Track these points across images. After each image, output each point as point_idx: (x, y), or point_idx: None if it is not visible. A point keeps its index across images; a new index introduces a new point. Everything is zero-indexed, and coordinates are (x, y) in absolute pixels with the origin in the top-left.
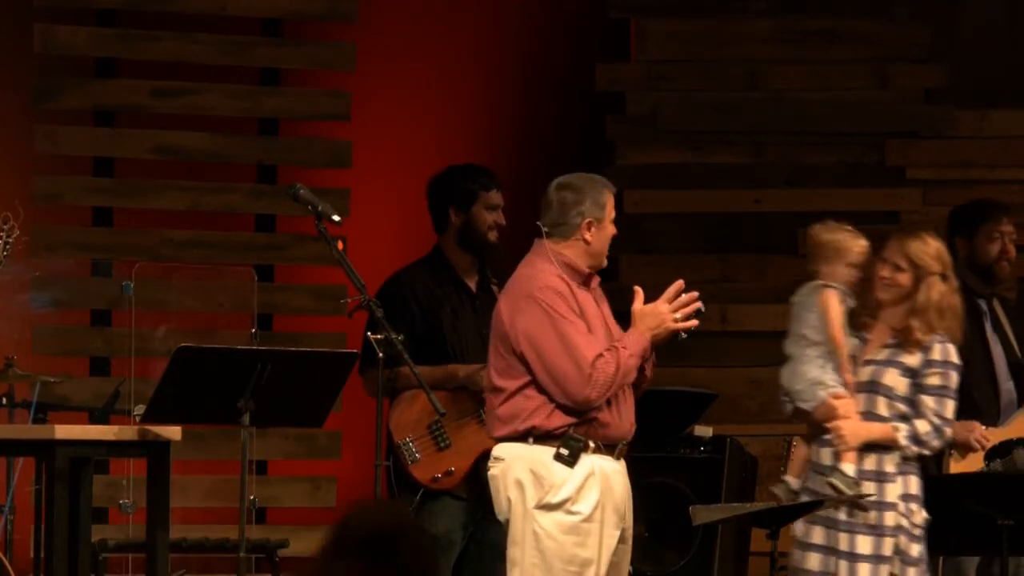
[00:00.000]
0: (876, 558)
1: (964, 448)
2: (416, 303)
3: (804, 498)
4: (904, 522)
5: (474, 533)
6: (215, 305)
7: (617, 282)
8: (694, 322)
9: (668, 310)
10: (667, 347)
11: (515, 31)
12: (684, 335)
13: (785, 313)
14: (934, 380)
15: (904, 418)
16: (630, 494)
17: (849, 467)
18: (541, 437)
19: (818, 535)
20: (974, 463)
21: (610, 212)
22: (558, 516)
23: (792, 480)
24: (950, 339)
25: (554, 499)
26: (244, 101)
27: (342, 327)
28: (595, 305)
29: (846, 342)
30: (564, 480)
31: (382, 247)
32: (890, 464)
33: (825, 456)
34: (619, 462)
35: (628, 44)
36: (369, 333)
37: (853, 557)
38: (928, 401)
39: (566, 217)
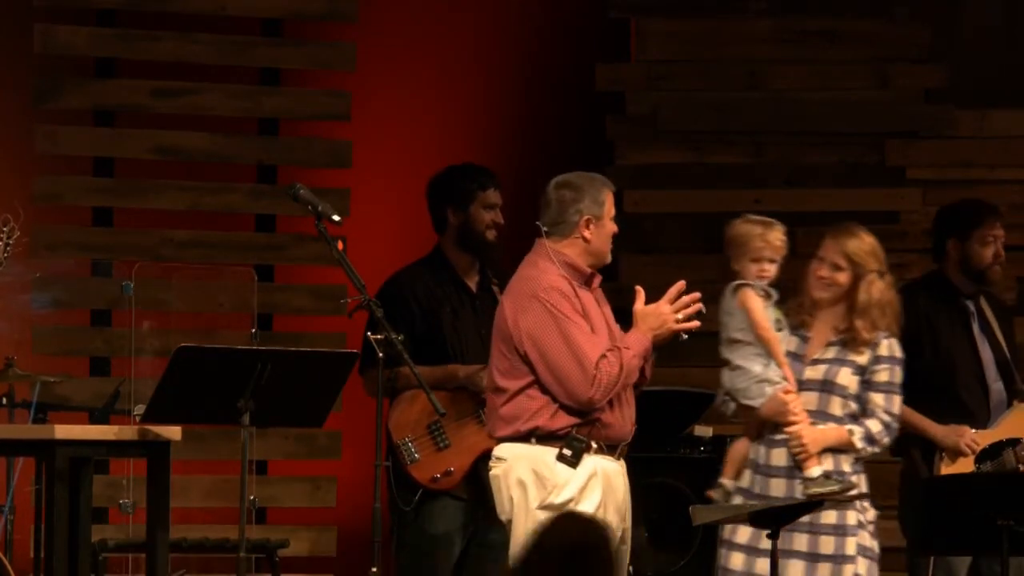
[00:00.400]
0: (841, 558)
1: (954, 453)
2: (416, 303)
3: (737, 499)
4: (863, 518)
5: (474, 533)
6: (215, 305)
7: (617, 282)
8: (695, 323)
9: (670, 311)
10: (667, 347)
11: (515, 31)
12: (685, 336)
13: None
14: (882, 376)
15: (854, 418)
16: (629, 494)
17: (815, 470)
18: (544, 437)
19: (743, 535)
20: (965, 466)
21: (609, 210)
22: None
23: (727, 482)
24: (893, 334)
25: (557, 499)
26: (244, 101)
27: (342, 327)
28: (597, 305)
29: (781, 338)
30: (567, 480)
31: (382, 247)
32: (846, 464)
33: (776, 457)
34: (619, 462)
35: (628, 44)
36: (369, 333)
37: (815, 558)
38: (877, 399)
39: (565, 215)
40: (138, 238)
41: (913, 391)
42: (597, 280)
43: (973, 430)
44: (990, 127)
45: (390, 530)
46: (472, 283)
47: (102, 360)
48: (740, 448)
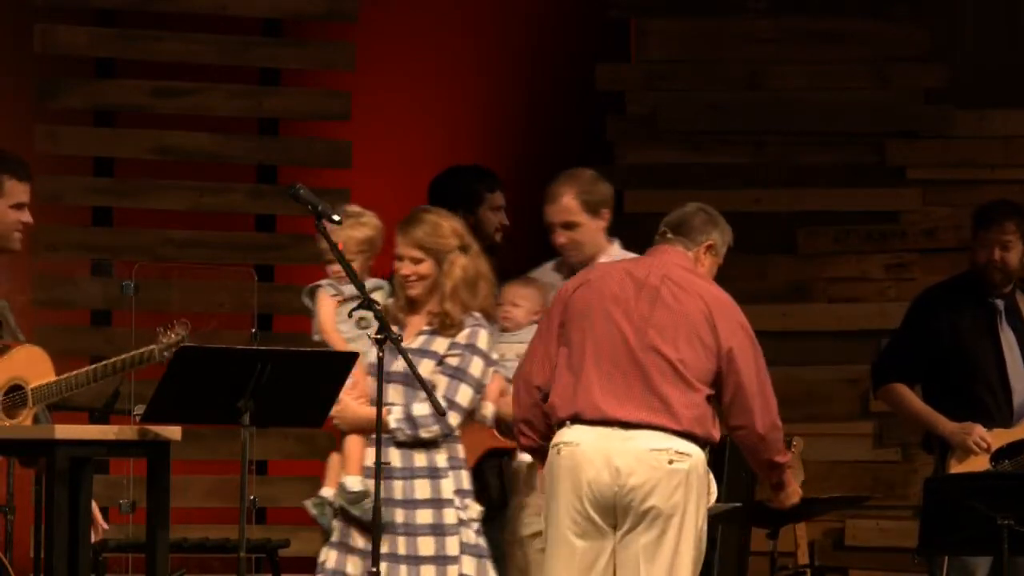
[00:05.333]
0: (443, 559)
1: (963, 451)
2: None
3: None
4: (464, 516)
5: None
6: (215, 305)
7: None
8: None
9: None
10: None
11: (515, 30)
12: None
13: (786, 313)
14: (452, 361)
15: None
16: None
17: (352, 480)
18: (705, 446)
19: (360, 539)
20: (977, 464)
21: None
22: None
23: (327, 491)
24: (485, 320)
25: (712, 502)
26: (244, 101)
27: None
28: None
29: (364, 336)
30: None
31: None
32: (441, 460)
33: (370, 456)
34: None
35: (628, 44)
36: (369, 333)
37: (417, 560)
38: (440, 382)
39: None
40: (138, 238)
41: (933, 390)
42: None
43: (986, 429)
44: (990, 127)
45: None
46: None
47: (102, 360)
48: (337, 455)
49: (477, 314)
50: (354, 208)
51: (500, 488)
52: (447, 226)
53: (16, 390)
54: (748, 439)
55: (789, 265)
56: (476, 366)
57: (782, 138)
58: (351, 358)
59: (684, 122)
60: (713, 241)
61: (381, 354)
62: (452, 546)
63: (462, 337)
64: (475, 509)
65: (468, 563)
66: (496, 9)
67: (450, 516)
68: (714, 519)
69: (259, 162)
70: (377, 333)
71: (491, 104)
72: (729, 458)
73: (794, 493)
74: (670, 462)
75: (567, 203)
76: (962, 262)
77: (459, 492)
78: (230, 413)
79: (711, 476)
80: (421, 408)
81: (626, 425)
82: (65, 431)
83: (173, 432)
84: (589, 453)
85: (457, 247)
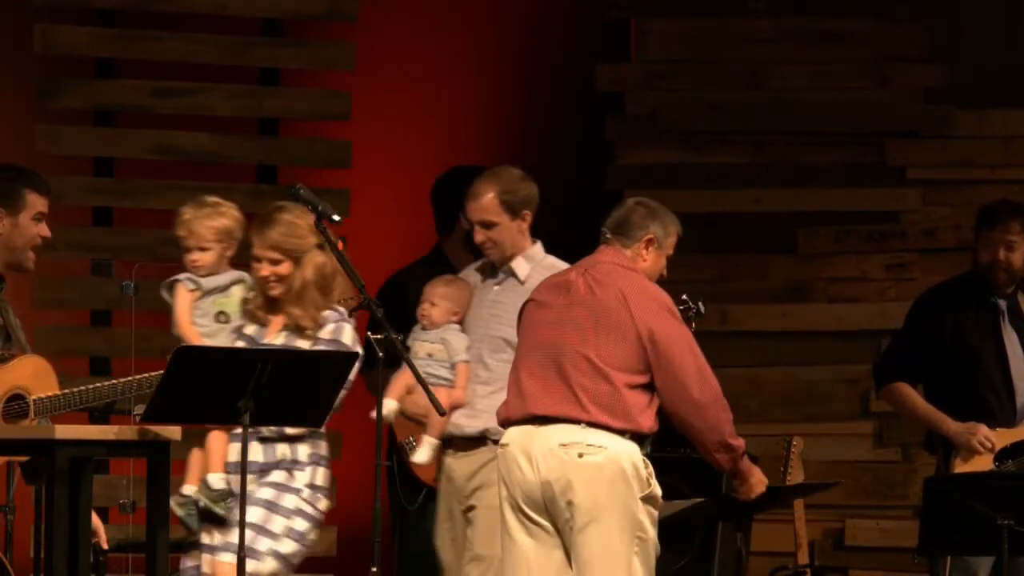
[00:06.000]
0: (259, 528)
1: (967, 451)
2: (416, 302)
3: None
4: (307, 508)
5: None
6: None
7: None
8: None
9: None
10: None
11: (515, 30)
12: None
13: (786, 313)
14: None
15: None
16: None
17: (215, 478)
18: (635, 437)
19: (217, 539)
20: (981, 464)
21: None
22: (651, 508)
23: (190, 488)
24: (348, 314)
25: (654, 491)
26: (244, 101)
27: None
28: None
29: (225, 330)
30: (652, 474)
31: (382, 247)
32: (302, 454)
33: (232, 452)
34: None
35: (628, 44)
36: (369, 333)
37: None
38: None
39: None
40: (138, 238)
41: (935, 390)
42: None
43: (989, 428)
44: (990, 127)
45: (391, 530)
46: None
47: (102, 360)
48: (199, 451)
49: (341, 309)
50: (213, 199)
51: None
52: (304, 224)
53: (17, 399)
54: (688, 423)
55: (789, 265)
56: None
57: (782, 138)
58: (351, 358)
59: (684, 122)
60: (653, 234)
61: (381, 354)
62: (276, 524)
63: (326, 333)
64: (323, 504)
65: (287, 544)
66: (496, 9)
67: (289, 501)
68: (702, 516)
69: (259, 162)
70: (377, 333)
71: (491, 104)
72: None
73: (758, 483)
74: (580, 455)
75: (487, 202)
76: (962, 262)
77: (312, 486)
78: (230, 413)
79: (649, 470)
80: None
81: (543, 420)
82: (65, 431)
83: (173, 432)
84: (515, 453)
85: (315, 245)
